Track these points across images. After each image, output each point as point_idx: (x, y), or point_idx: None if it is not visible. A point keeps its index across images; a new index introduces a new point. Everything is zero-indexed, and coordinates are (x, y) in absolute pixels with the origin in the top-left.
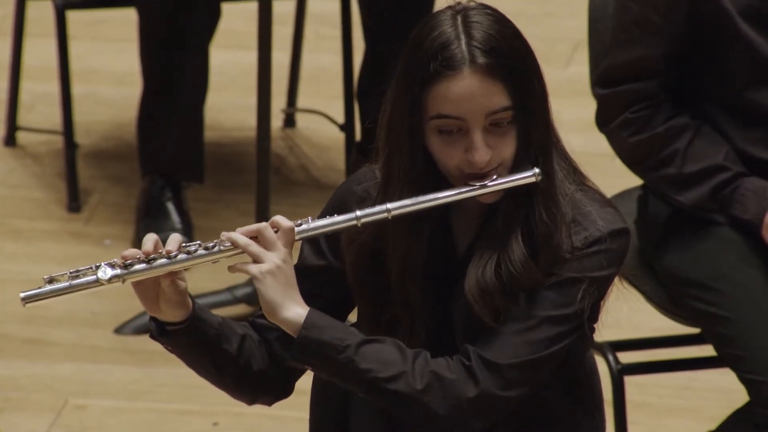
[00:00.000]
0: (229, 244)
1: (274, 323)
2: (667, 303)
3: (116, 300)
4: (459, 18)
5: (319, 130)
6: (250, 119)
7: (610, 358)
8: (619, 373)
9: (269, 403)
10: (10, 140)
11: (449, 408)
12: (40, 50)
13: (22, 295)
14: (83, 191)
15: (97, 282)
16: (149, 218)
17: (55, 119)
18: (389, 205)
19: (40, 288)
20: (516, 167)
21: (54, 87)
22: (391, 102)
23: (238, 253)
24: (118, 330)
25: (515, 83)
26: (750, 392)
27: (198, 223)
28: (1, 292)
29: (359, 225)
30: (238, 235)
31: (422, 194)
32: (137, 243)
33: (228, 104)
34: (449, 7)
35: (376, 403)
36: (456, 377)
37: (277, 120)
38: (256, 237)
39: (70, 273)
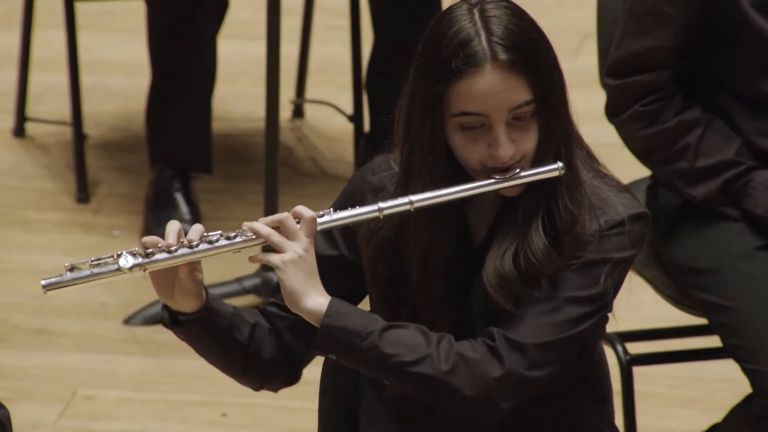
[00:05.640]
0: (251, 234)
1: (295, 312)
2: (675, 293)
3: (125, 290)
4: (476, 12)
5: (327, 121)
6: (259, 110)
7: (619, 348)
8: (627, 364)
9: (275, 390)
10: (19, 131)
11: (476, 389)
12: (49, 41)
13: (43, 282)
14: (92, 182)
15: (119, 270)
16: (158, 209)
17: (64, 110)
18: (412, 197)
19: (61, 276)
20: (538, 159)
21: (63, 78)
22: (409, 98)
23: (259, 243)
24: (127, 320)
25: (536, 77)
26: (752, 383)
27: (206, 213)
28: (10, 282)
29: (381, 217)
30: (260, 225)
31: (444, 188)
32: (146, 234)
33: (236, 95)
34: (464, 1)
35: (401, 388)
36: (481, 357)
37: (285, 111)
38: (278, 227)
39: (91, 261)
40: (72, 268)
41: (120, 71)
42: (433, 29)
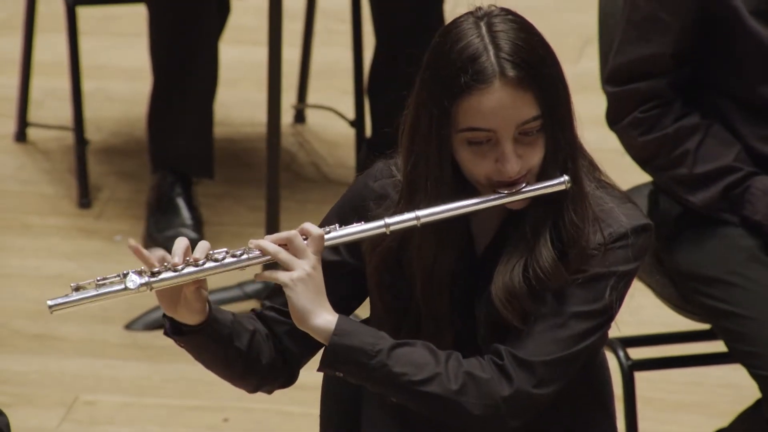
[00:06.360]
0: (258, 252)
1: (304, 330)
2: (678, 299)
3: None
4: (483, 26)
5: (329, 126)
6: (260, 115)
7: (621, 353)
8: (629, 369)
9: (270, 392)
10: (21, 136)
11: (485, 408)
12: (51, 46)
13: (49, 303)
14: (93, 187)
15: (125, 290)
16: (159, 214)
17: (66, 115)
18: (419, 213)
19: (67, 296)
20: (544, 173)
21: (64, 83)
22: (414, 110)
23: (266, 261)
24: (128, 326)
25: (543, 92)
26: (762, 388)
27: (208, 218)
28: (11, 287)
29: (388, 233)
30: (267, 243)
31: (449, 202)
32: (147, 239)
33: (238, 100)
34: (470, 14)
35: (409, 406)
36: (490, 377)
37: (287, 116)
38: (285, 245)
39: (97, 281)
40: (78, 288)
41: (121, 76)
42: (440, 42)
